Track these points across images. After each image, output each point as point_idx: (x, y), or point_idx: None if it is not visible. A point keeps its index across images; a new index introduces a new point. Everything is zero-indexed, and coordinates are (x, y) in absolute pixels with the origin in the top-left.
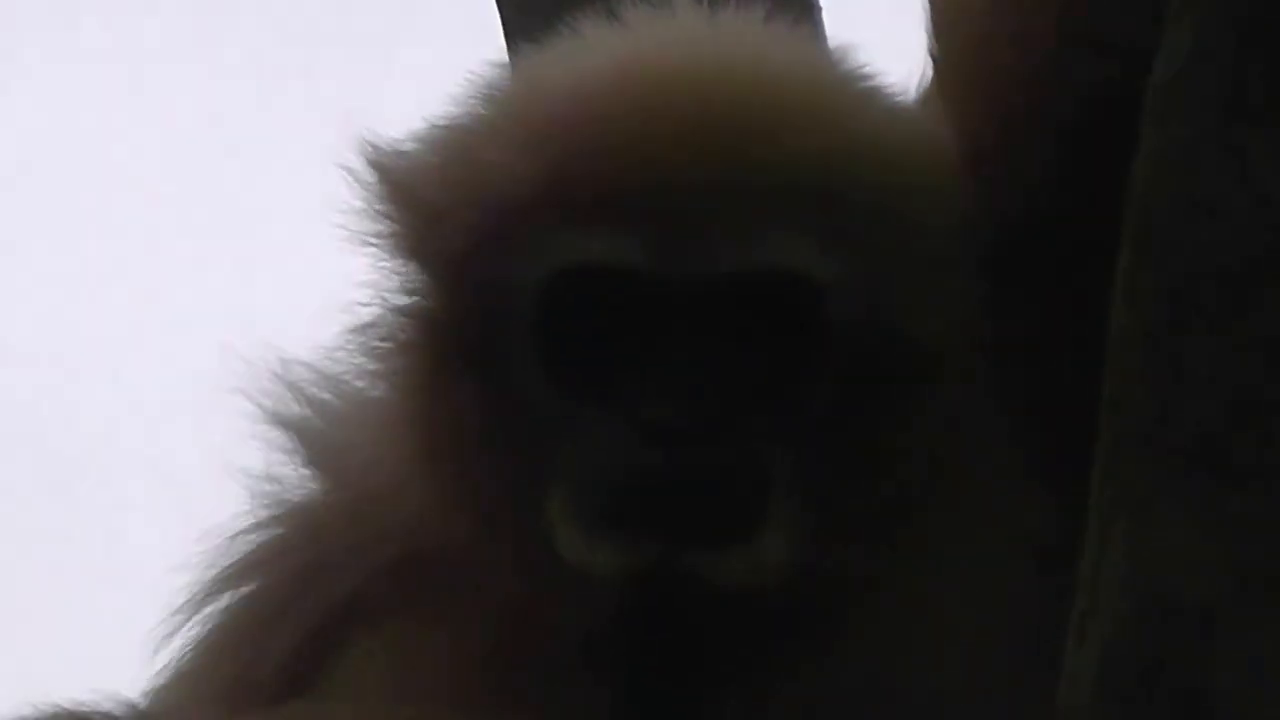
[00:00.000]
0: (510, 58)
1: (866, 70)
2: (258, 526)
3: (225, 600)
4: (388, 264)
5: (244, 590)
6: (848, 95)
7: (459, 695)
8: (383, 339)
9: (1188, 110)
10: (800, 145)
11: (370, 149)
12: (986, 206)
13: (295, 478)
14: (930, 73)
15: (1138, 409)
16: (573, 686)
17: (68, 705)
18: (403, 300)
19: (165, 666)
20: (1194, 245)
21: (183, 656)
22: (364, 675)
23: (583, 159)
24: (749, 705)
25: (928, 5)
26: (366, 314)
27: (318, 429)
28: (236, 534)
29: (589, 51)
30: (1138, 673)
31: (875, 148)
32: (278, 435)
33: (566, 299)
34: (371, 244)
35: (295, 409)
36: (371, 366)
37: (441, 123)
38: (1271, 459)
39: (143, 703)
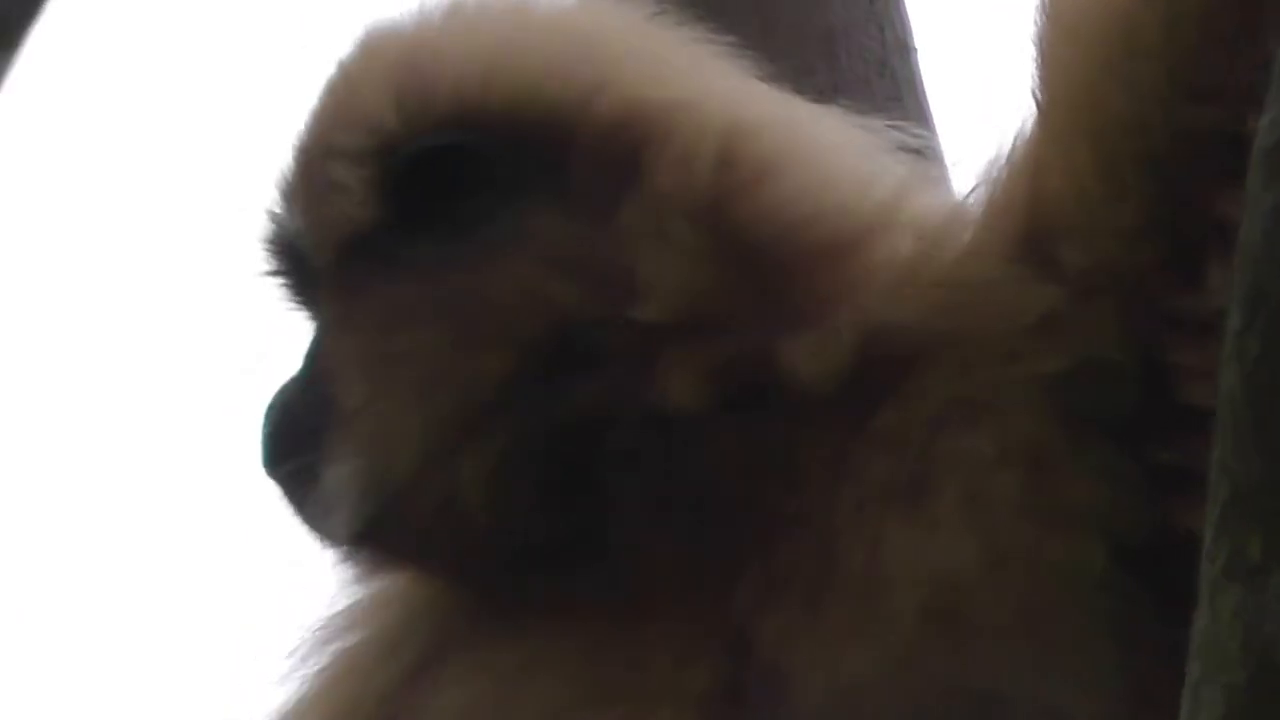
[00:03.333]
0: None
1: None
2: (354, 582)
3: (325, 658)
4: None
5: (342, 645)
6: None
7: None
8: None
9: None
10: None
11: None
12: (1089, 252)
13: None
14: (1033, 114)
15: (1248, 474)
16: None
17: None
18: None
19: None
20: None
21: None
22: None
23: None
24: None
25: (1036, 47)
26: None
27: None
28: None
29: None
30: None
31: None
32: None
33: None
34: None
35: None
36: None
37: None
38: None
39: None
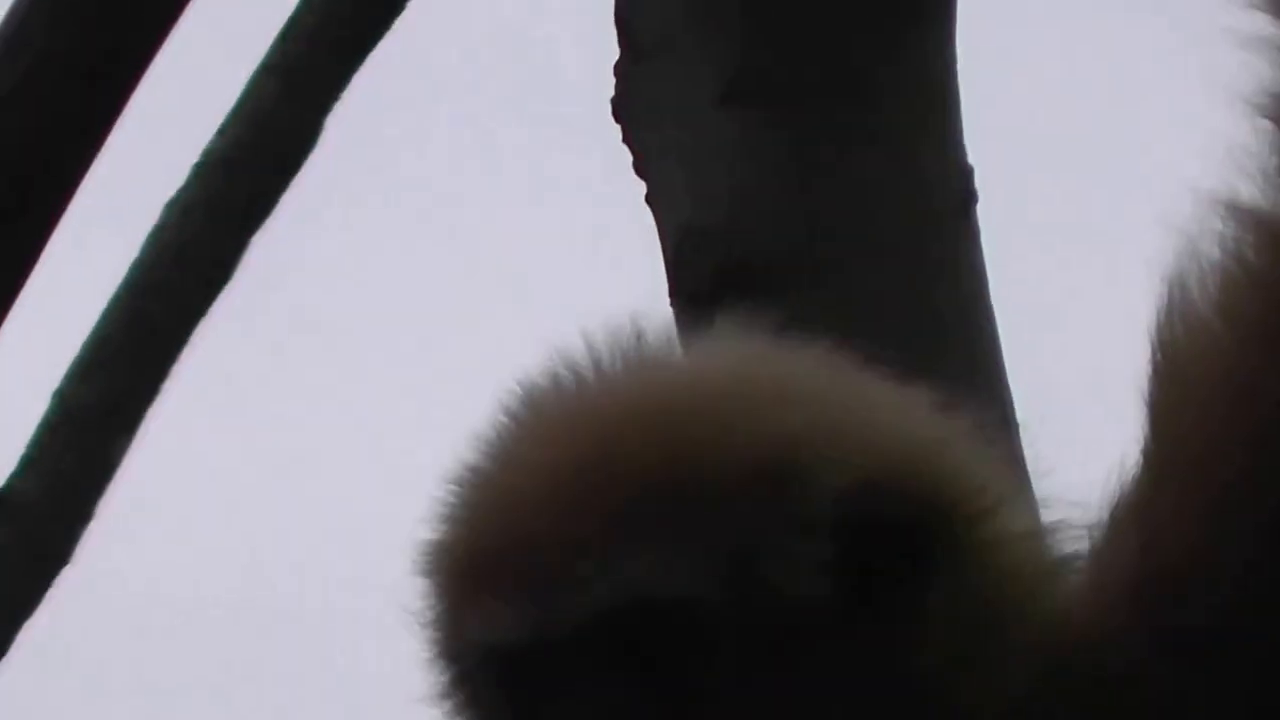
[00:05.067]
0: None
1: None
2: None
3: None
4: None
5: None
6: None
7: None
8: None
9: None
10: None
11: None
12: (1206, 611)
13: None
14: (1140, 468)
15: None
16: None
17: None
18: None
19: None
20: None
21: None
22: None
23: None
24: None
25: (1145, 400)
26: None
27: None
28: None
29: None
30: None
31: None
32: None
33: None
34: None
35: None
36: None
37: None
38: None
39: None
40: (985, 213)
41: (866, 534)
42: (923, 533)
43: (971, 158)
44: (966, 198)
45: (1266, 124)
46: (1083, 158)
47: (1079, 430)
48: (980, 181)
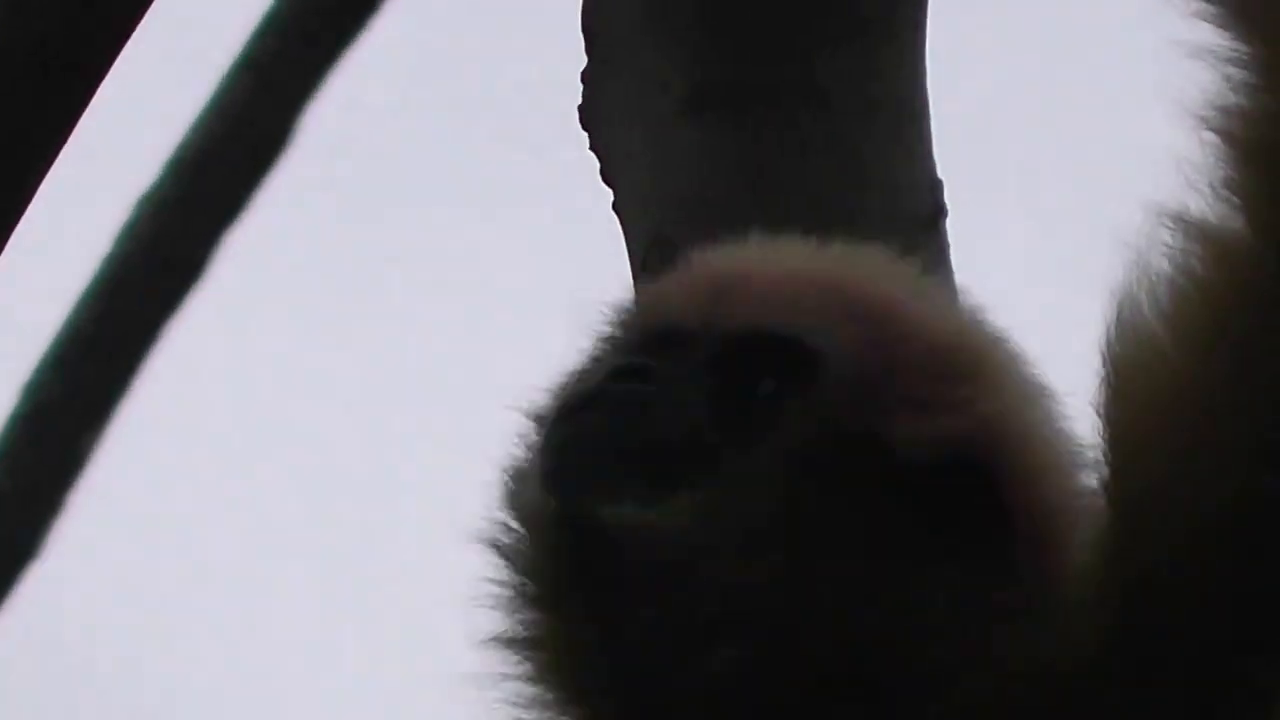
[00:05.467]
0: None
1: None
2: None
3: None
4: None
5: None
6: None
7: None
8: None
9: None
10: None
11: None
12: (1173, 612)
13: None
14: (1099, 483)
15: None
16: None
17: None
18: None
19: None
20: None
21: None
22: None
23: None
24: None
25: (1099, 415)
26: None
27: None
28: None
29: None
30: None
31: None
32: None
33: None
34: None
35: None
36: None
37: None
38: None
39: None
40: (954, 226)
41: (948, 460)
42: (999, 489)
43: (941, 171)
44: (935, 211)
45: (1213, 137)
46: (1046, 170)
47: None
48: (950, 195)
